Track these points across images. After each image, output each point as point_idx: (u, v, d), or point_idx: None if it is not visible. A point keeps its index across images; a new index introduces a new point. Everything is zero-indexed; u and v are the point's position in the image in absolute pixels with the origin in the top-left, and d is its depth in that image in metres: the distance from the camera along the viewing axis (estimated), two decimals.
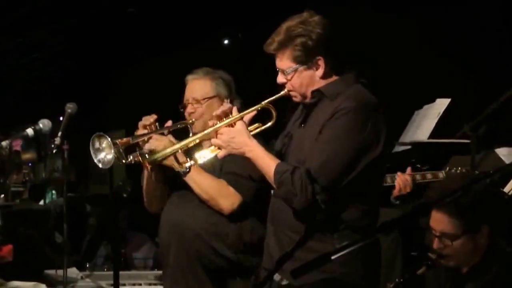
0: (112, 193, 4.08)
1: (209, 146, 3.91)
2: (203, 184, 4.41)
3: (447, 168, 5.18)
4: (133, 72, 10.65)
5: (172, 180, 4.58)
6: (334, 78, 3.80)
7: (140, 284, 5.50)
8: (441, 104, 5.69)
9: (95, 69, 10.79)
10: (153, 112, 4.51)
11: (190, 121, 4.51)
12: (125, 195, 4.06)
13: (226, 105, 3.90)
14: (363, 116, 3.63)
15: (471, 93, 6.42)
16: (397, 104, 6.36)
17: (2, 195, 7.39)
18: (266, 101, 3.84)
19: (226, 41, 10.02)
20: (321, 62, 3.75)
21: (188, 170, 4.23)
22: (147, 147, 4.34)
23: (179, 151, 4.05)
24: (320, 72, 3.76)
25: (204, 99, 4.56)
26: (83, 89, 10.49)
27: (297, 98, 3.85)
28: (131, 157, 4.31)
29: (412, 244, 5.19)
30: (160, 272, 5.64)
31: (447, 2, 7.13)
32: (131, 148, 4.32)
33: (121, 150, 4.20)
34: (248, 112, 3.84)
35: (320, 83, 3.79)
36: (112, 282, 4.15)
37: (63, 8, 9.09)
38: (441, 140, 5.52)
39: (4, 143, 4.65)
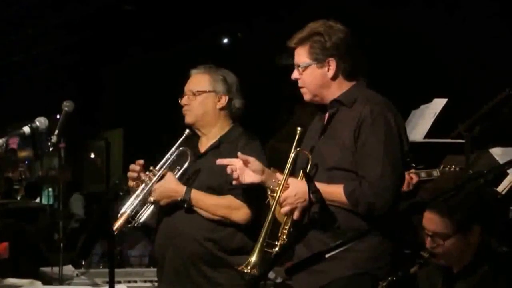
0: (108, 191, 4.09)
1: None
2: (210, 208, 4.44)
3: (441, 167, 5.20)
4: (130, 70, 10.67)
5: None
6: (348, 85, 3.98)
7: (136, 281, 5.51)
8: (438, 104, 5.70)
9: (92, 67, 10.80)
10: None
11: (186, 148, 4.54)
12: (121, 193, 4.07)
13: (272, 183, 3.96)
14: (390, 115, 3.86)
15: (467, 93, 6.45)
16: (394, 103, 6.40)
17: None
18: (293, 152, 3.96)
19: (225, 40, 10.03)
20: (332, 64, 3.93)
21: (189, 204, 4.39)
22: (151, 199, 4.46)
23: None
24: (330, 73, 3.94)
25: (199, 92, 4.58)
26: (80, 87, 10.50)
27: (307, 96, 4.01)
28: (136, 219, 4.46)
29: (405, 242, 5.21)
30: (155, 269, 5.67)
31: (445, 4, 7.17)
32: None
33: (129, 218, 4.38)
34: (289, 170, 3.94)
35: (331, 86, 3.95)
36: (107, 279, 4.14)
37: (59, 6, 9.11)
38: (436, 140, 5.54)
39: (0, 141, 4.65)
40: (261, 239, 3.90)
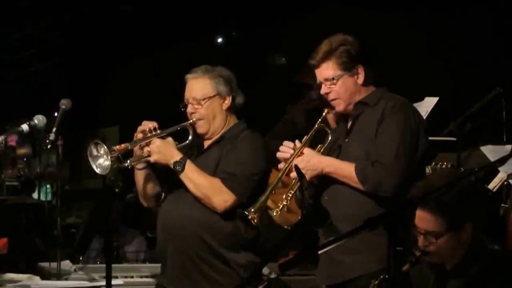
0: (104, 188, 4.15)
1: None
2: (197, 182, 4.42)
3: (433, 164, 5.24)
4: (127, 68, 10.69)
5: (168, 179, 4.62)
6: (372, 89, 4.14)
7: (132, 277, 5.52)
8: (429, 102, 5.74)
9: (89, 66, 10.81)
10: (151, 110, 4.58)
11: (191, 121, 4.55)
12: (117, 190, 4.11)
13: (287, 143, 4.11)
14: (412, 110, 4.07)
15: (458, 92, 6.49)
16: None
17: None
18: (316, 124, 4.14)
19: (220, 40, 10.03)
20: (361, 70, 4.09)
21: (182, 169, 4.35)
22: (146, 151, 4.44)
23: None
24: (360, 79, 4.10)
25: (204, 99, 4.55)
26: (77, 85, 10.52)
27: (341, 107, 4.14)
28: (129, 161, 4.42)
29: (398, 239, 5.25)
30: (151, 265, 5.73)
31: (437, 4, 7.20)
32: (129, 152, 4.43)
33: (119, 155, 4.33)
34: (308, 139, 4.11)
35: (361, 92, 4.11)
36: (104, 274, 4.19)
37: (58, 4, 9.12)
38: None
39: None
40: (267, 192, 4.05)
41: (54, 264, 5.61)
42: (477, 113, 5.11)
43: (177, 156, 4.44)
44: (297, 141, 4.10)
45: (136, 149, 4.49)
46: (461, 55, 6.89)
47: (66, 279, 5.38)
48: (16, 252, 6.42)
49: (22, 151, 8.39)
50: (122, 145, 4.41)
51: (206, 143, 4.65)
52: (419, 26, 7.28)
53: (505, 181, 5.05)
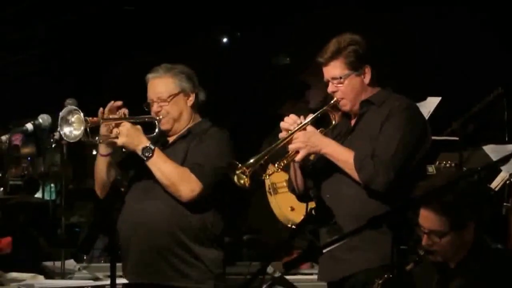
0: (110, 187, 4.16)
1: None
2: (165, 169, 4.39)
3: (437, 163, 5.25)
4: (131, 68, 10.68)
5: (131, 174, 4.63)
6: (377, 88, 4.16)
7: None
8: (432, 102, 5.75)
9: (94, 65, 10.81)
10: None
11: (158, 118, 4.55)
12: (122, 189, 4.11)
13: (293, 116, 4.14)
14: (416, 112, 4.12)
15: (460, 92, 6.49)
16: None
17: (1, 188, 7.44)
18: (325, 107, 4.16)
19: (224, 40, 10.02)
20: (368, 70, 4.12)
21: (151, 155, 4.34)
22: (115, 132, 4.42)
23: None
24: (367, 79, 4.12)
25: (169, 96, 4.56)
26: (82, 85, 10.51)
27: (347, 107, 4.16)
28: (98, 137, 4.40)
29: (402, 237, 5.27)
30: None
31: (439, 3, 7.20)
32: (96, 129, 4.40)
33: (88, 128, 4.30)
34: (314, 118, 4.13)
35: (367, 91, 4.14)
36: (109, 273, 4.20)
37: (61, 3, 9.13)
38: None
39: (3, 138, 4.68)
40: (262, 153, 4.07)
41: (58, 263, 5.63)
42: (479, 113, 5.12)
43: (146, 142, 4.41)
44: (302, 117, 4.13)
45: (104, 128, 4.47)
46: (463, 55, 6.90)
47: (70, 278, 5.39)
48: (20, 251, 6.43)
49: (26, 150, 8.37)
50: (95, 118, 4.38)
51: (170, 139, 4.63)
52: (422, 26, 7.28)
53: (507, 180, 5.07)
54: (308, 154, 4.09)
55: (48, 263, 5.74)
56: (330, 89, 4.15)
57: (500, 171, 5.04)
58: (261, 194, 6.30)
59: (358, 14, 7.52)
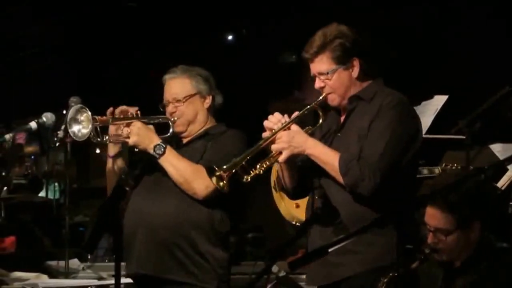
0: (114, 186, 4.14)
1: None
2: (179, 165, 4.36)
3: (443, 164, 5.23)
4: (135, 67, 10.68)
5: (140, 172, 4.59)
6: (367, 82, 4.03)
7: None
8: (439, 100, 5.73)
9: (98, 63, 10.81)
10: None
11: (172, 119, 4.52)
12: (127, 188, 4.08)
13: (277, 114, 4.00)
14: (407, 109, 3.96)
15: (467, 90, 6.48)
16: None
17: (5, 188, 7.43)
18: (313, 104, 4.02)
19: (230, 37, 10.01)
20: (356, 63, 3.99)
21: (163, 152, 4.30)
22: (125, 132, 4.38)
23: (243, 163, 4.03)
24: (355, 73, 3.99)
25: (185, 97, 4.53)
26: (86, 83, 10.50)
27: (335, 102, 4.04)
28: (107, 137, 4.37)
29: (407, 237, 5.26)
30: None
31: (447, 1, 7.19)
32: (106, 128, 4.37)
33: (97, 127, 4.27)
34: (299, 116, 3.99)
35: (356, 86, 4.01)
36: (113, 273, 4.19)
37: (64, 3, 9.13)
38: (436, 136, 5.57)
39: (7, 136, 4.67)
40: (242, 156, 3.95)
41: (62, 263, 5.63)
42: (486, 111, 5.09)
43: (158, 140, 4.38)
44: (286, 116, 3.98)
45: (114, 128, 4.44)
46: (470, 53, 6.88)
47: (74, 278, 5.39)
48: (24, 251, 6.42)
49: (30, 149, 8.37)
50: (104, 117, 4.36)
51: (185, 141, 4.61)
52: (429, 24, 7.26)
53: None
54: (292, 155, 3.94)
55: (52, 263, 5.74)
56: (317, 84, 4.02)
57: (507, 170, 5.02)
58: (265, 191, 6.27)
59: (364, 11, 7.50)
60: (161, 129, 4.52)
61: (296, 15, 8.26)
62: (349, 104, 4.02)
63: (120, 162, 4.56)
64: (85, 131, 4.29)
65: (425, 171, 5.24)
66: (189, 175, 4.36)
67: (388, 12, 7.53)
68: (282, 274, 4.95)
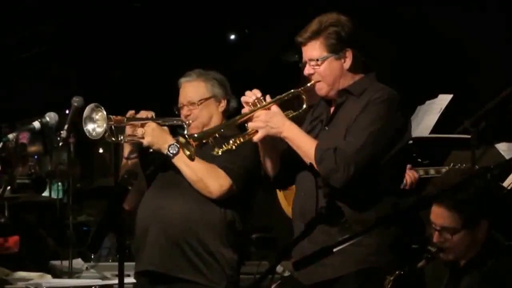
0: (116, 186, 4.14)
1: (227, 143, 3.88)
2: (193, 165, 4.35)
3: (451, 164, 5.20)
4: (139, 66, 10.68)
5: (151, 175, 4.62)
6: (359, 76, 3.95)
7: None
8: (443, 100, 5.71)
9: (102, 63, 10.82)
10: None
11: (187, 122, 4.54)
12: (130, 188, 4.08)
13: (258, 92, 3.92)
14: (395, 106, 3.84)
15: (472, 89, 6.46)
16: (400, 99, 6.39)
17: (9, 187, 7.43)
18: (300, 89, 3.93)
19: (232, 37, 10.01)
20: (349, 55, 3.90)
21: (177, 151, 4.30)
22: (140, 132, 4.40)
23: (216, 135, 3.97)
24: (347, 64, 3.91)
25: (200, 100, 4.55)
26: (89, 83, 10.52)
27: (323, 91, 3.95)
28: (122, 137, 4.38)
29: (413, 236, 5.24)
30: None
31: None
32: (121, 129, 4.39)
33: (112, 127, 4.27)
34: (281, 98, 3.91)
35: (346, 78, 3.93)
36: (116, 272, 4.18)
37: (70, 2, 9.14)
38: (442, 136, 5.55)
39: (10, 136, 4.67)
40: (214, 128, 3.95)
41: (65, 262, 5.64)
42: (492, 110, 5.07)
43: (172, 140, 4.40)
44: (268, 96, 3.90)
45: (129, 128, 4.46)
46: (476, 51, 6.86)
47: (78, 278, 5.39)
48: (28, 251, 6.43)
49: (33, 148, 8.38)
50: (119, 116, 4.37)
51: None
52: (434, 22, 7.24)
53: None
54: (268, 135, 3.84)
55: (56, 262, 5.76)
56: (307, 71, 3.93)
57: None
58: (272, 191, 6.25)
59: (369, 9, 7.49)
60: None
61: (299, 14, 8.26)
62: (338, 97, 3.94)
63: (136, 165, 4.59)
64: (99, 130, 4.31)
65: (432, 171, 5.21)
66: (203, 173, 4.37)
67: (393, 10, 7.52)
68: (286, 274, 4.94)
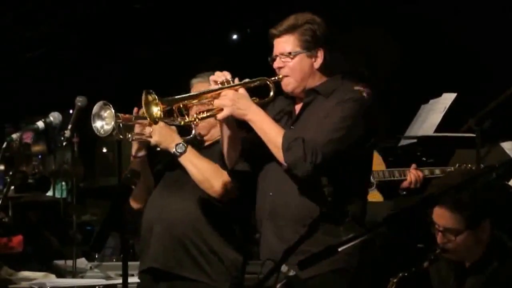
0: (120, 185, 4.13)
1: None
2: (199, 164, 4.38)
3: (457, 165, 5.18)
4: (140, 66, 10.70)
5: (158, 174, 4.63)
6: (327, 77, 3.95)
7: None
8: (447, 98, 5.71)
9: (104, 63, 10.84)
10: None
11: (195, 122, 4.52)
12: (133, 187, 4.08)
13: (228, 74, 3.91)
14: (367, 106, 3.82)
15: (477, 87, 6.46)
16: (404, 98, 6.39)
17: (13, 187, 7.44)
18: (267, 78, 3.92)
19: (234, 36, 10.00)
20: (321, 54, 3.91)
21: (184, 151, 4.31)
22: (148, 131, 4.39)
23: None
24: (318, 63, 3.92)
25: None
26: (92, 83, 10.53)
27: (289, 87, 3.95)
28: (130, 135, 4.38)
29: (419, 236, 5.24)
30: None
31: None
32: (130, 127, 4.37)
33: (120, 125, 4.28)
34: (249, 82, 3.91)
35: (315, 78, 3.93)
36: (120, 272, 4.18)
37: (71, 4, 9.16)
38: (446, 134, 5.55)
39: (14, 136, 4.67)
40: (180, 97, 3.91)
41: (69, 262, 5.64)
42: (497, 109, 5.06)
43: (179, 140, 4.40)
44: (236, 79, 3.88)
45: (137, 127, 4.45)
46: (480, 50, 6.85)
47: (82, 277, 5.39)
48: (31, 250, 6.44)
49: (37, 148, 8.40)
50: (127, 115, 4.37)
51: (206, 144, 4.63)
52: (438, 20, 7.23)
53: None
54: (232, 115, 3.82)
55: (60, 262, 5.76)
56: (276, 64, 3.93)
57: None
58: None
59: (371, 8, 7.48)
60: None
61: (301, 13, 8.24)
62: (305, 97, 3.94)
63: (146, 166, 4.60)
64: (107, 127, 4.30)
65: (437, 171, 5.21)
66: (209, 173, 4.38)
67: (395, 9, 7.51)
68: (291, 273, 4.92)
